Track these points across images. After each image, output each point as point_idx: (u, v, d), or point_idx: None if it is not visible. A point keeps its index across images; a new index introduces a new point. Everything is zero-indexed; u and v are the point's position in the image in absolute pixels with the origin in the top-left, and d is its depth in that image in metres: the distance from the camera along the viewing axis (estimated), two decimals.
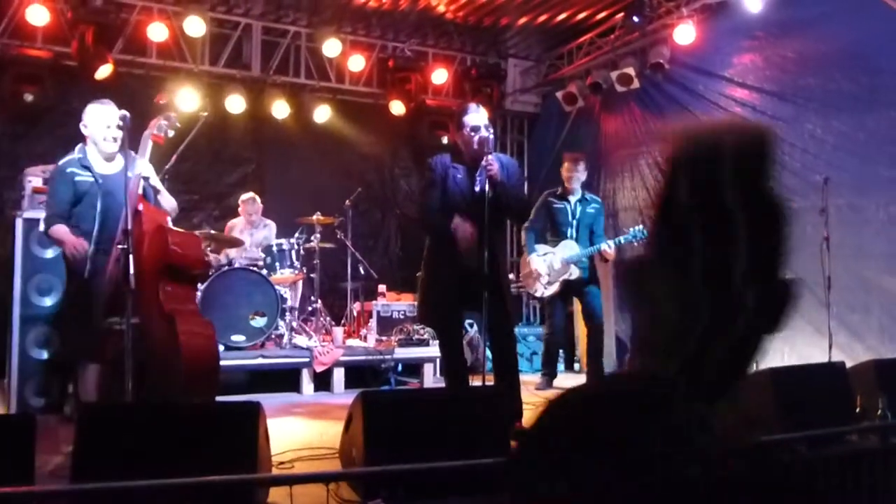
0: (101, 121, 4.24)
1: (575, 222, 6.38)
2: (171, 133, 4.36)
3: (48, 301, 5.19)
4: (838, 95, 6.03)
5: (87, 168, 4.24)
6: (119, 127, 4.14)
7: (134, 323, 3.67)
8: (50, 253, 5.20)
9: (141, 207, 4.09)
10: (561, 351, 7.57)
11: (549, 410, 1.52)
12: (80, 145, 4.33)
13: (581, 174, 6.43)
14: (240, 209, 7.50)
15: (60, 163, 4.28)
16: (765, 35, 6.67)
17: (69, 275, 4.32)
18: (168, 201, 4.49)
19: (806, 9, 6.33)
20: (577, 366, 8.10)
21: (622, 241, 6.20)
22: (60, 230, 4.16)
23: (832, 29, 6.08)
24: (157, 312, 3.99)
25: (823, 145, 6.14)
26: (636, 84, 7.81)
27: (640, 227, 6.14)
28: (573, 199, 6.42)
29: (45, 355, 5.18)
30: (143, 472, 2.44)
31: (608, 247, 6.17)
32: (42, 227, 4.40)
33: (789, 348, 6.11)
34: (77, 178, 4.20)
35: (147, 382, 3.67)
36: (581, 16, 8.22)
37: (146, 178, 4.25)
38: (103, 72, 7.01)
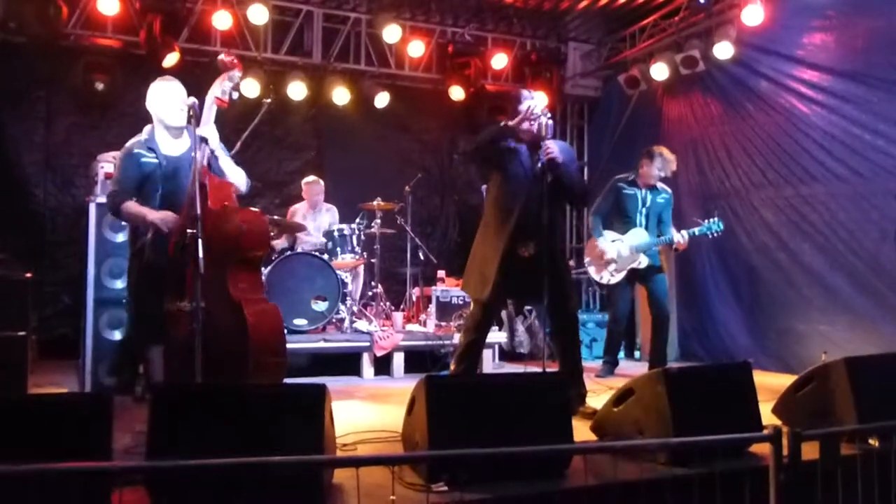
0: (168, 96, 4.10)
1: (645, 210, 6.27)
2: (234, 95, 4.15)
3: (119, 284, 5.39)
4: None
5: (153, 150, 4.09)
6: (184, 101, 3.97)
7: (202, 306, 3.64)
8: (121, 237, 5.38)
9: (206, 181, 3.92)
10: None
11: None
12: (147, 127, 4.18)
13: (654, 171, 6.27)
14: (303, 192, 7.58)
15: (127, 144, 4.14)
16: (836, 14, 6.44)
17: (132, 258, 4.23)
18: (235, 172, 4.27)
19: None
20: (637, 353, 8.01)
21: (696, 233, 6.09)
22: (134, 206, 4.01)
23: None
24: (223, 297, 3.92)
25: None
26: (701, 67, 7.63)
27: (716, 219, 6.04)
28: (644, 186, 6.32)
29: (116, 336, 5.36)
30: (213, 450, 2.50)
31: (682, 238, 6.09)
32: (109, 205, 4.18)
33: (865, 338, 5.95)
34: (143, 160, 4.06)
35: (213, 367, 3.70)
36: None
37: (208, 144, 4.06)
38: (170, 60, 7.17)
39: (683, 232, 6.12)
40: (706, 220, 6.10)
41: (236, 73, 4.16)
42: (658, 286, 6.26)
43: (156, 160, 4.08)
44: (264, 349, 3.88)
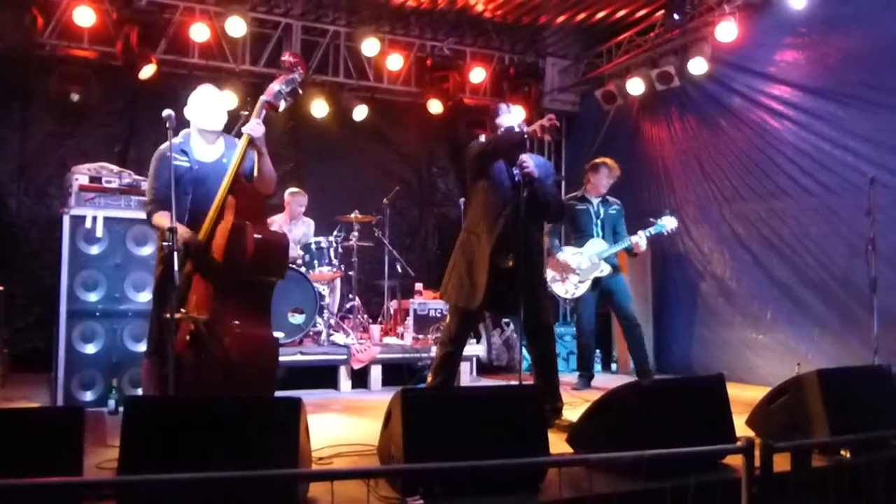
0: (208, 100, 4.10)
1: (599, 221, 6.47)
2: (289, 101, 4.05)
3: (93, 296, 5.30)
4: (884, 92, 5.90)
5: (185, 153, 4.06)
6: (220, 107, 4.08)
7: (203, 319, 3.71)
8: (95, 249, 5.32)
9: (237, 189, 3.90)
10: (598, 351, 7.54)
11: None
12: (184, 131, 4.16)
13: (603, 181, 6.48)
14: (286, 202, 7.56)
15: (161, 147, 4.07)
16: (809, 31, 6.55)
17: (164, 270, 3.95)
18: (270, 170, 4.22)
19: (851, 5, 6.21)
20: (613, 366, 8.05)
21: (652, 232, 6.28)
22: (163, 219, 3.86)
23: (877, 25, 5.96)
24: (225, 322, 3.79)
25: (868, 144, 6.02)
26: (676, 82, 7.73)
27: (668, 216, 6.31)
28: (595, 200, 6.50)
29: (89, 349, 5.27)
30: (187, 465, 2.48)
31: (639, 239, 6.26)
32: (144, 214, 4.10)
33: (835, 350, 6.03)
34: (175, 163, 3.94)
35: (205, 384, 3.68)
36: (620, 14, 8.15)
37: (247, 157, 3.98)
38: (147, 72, 7.14)
39: (640, 233, 6.31)
40: (659, 219, 6.31)
41: (296, 75, 4.07)
42: (620, 296, 6.42)
43: (187, 163, 4.04)
44: (254, 379, 3.80)
